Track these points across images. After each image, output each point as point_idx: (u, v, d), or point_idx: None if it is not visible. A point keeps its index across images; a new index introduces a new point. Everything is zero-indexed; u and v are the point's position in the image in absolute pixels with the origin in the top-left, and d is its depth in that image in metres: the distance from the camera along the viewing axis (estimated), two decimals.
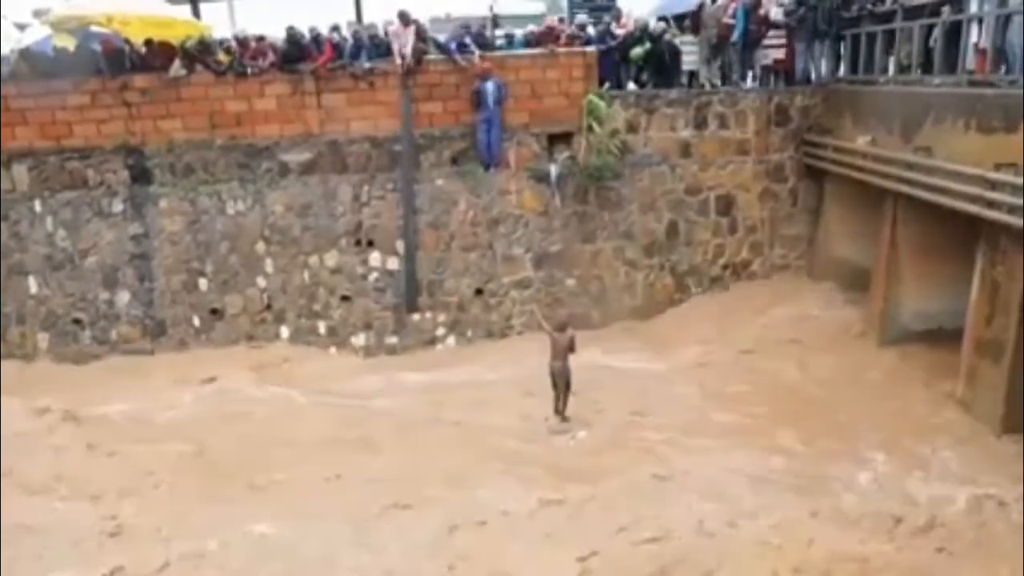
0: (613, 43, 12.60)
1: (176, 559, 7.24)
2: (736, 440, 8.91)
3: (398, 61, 11.65)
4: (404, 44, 11.57)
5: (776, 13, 12.72)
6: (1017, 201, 7.87)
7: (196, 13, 16.70)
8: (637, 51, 12.50)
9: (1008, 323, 8.38)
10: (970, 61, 9.77)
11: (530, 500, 7.85)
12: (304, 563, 7.15)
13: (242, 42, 11.94)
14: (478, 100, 11.73)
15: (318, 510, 7.83)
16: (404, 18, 11.57)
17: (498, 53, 12.29)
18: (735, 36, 12.53)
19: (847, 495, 7.79)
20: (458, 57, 11.81)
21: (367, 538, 7.45)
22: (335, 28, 12.50)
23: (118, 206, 11.87)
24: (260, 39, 11.97)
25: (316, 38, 12.00)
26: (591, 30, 13.06)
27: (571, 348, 9.45)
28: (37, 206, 11.78)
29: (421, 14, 12.63)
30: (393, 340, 12.37)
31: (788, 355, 10.96)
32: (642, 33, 12.61)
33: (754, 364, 10.86)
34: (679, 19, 13.56)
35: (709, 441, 8.95)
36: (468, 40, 11.95)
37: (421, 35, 11.85)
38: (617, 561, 6.95)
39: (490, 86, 11.65)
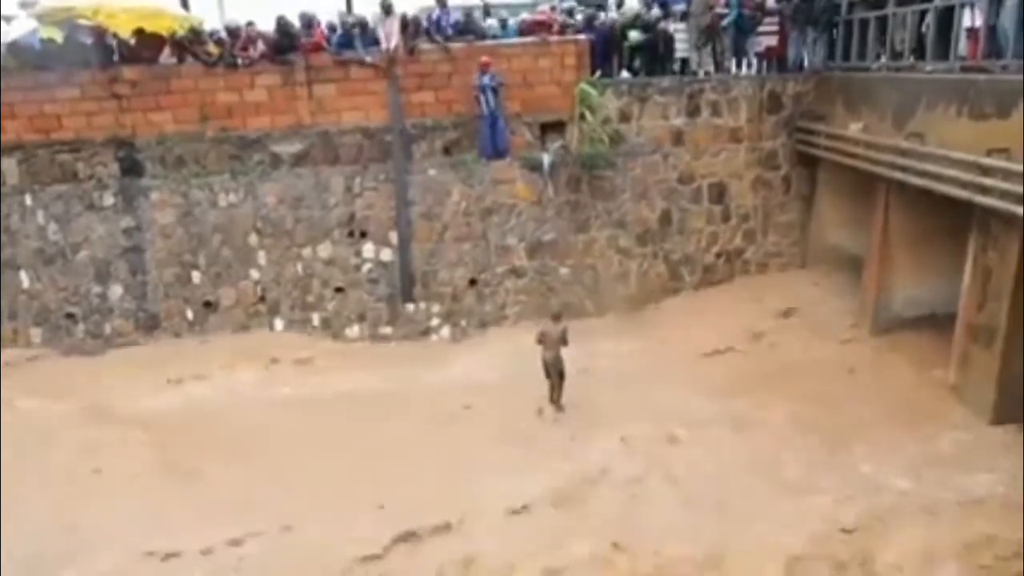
0: (607, 31, 12.53)
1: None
2: (725, 426, 8.95)
3: (384, 48, 11.56)
4: (390, 34, 11.50)
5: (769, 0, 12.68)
6: (1009, 187, 7.88)
7: (185, 4, 16.50)
8: (635, 35, 12.43)
9: (1000, 309, 8.41)
10: (962, 47, 9.77)
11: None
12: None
13: (233, 32, 11.85)
14: (480, 95, 11.64)
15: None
16: (387, 9, 11.51)
17: (490, 42, 12.22)
18: (725, 22, 12.48)
19: (831, 481, 7.81)
20: (438, 39, 11.77)
21: None
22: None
23: (109, 199, 11.81)
24: (250, 24, 11.86)
25: (308, 22, 11.89)
26: (603, 16, 13.00)
27: (564, 340, 9.45)
28: (27, 200, 11.71)
29: (411, 2, 12.56)
30: (387, 331, 12.36)
31: (780, 342, 11.02)
32: (640, 22, 12.54)
33: (745, 351, 10.90)
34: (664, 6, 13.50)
35: (696, 427, 8.99)
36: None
37: (414, 27, 11.78)
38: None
39: (487, 80, 11.57)
